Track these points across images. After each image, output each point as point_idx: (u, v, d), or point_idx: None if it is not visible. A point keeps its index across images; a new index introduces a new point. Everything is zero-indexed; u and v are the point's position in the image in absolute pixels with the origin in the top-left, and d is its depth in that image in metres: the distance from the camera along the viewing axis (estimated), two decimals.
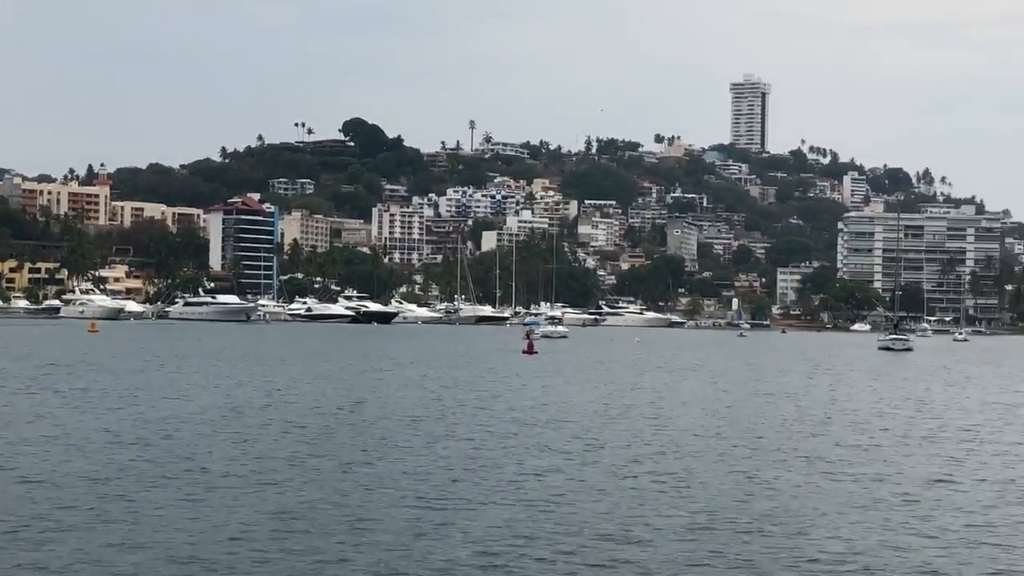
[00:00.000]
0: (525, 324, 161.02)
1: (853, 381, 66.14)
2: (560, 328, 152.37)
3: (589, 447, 30.58)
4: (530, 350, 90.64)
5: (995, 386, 64.48)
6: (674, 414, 41.02)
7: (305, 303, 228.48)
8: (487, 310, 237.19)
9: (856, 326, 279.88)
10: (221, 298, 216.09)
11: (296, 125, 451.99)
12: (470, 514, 20.75)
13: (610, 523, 20.25)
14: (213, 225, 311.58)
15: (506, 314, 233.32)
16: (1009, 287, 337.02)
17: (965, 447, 32.76)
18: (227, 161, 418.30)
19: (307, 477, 24.56)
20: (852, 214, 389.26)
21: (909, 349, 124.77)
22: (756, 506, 22.11)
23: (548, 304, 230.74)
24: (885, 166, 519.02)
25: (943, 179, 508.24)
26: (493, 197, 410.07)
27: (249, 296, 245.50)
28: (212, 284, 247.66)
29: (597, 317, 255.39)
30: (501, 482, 24.28)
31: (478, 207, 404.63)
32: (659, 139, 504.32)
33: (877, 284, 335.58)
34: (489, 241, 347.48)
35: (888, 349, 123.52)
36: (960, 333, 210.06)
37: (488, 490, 23.24)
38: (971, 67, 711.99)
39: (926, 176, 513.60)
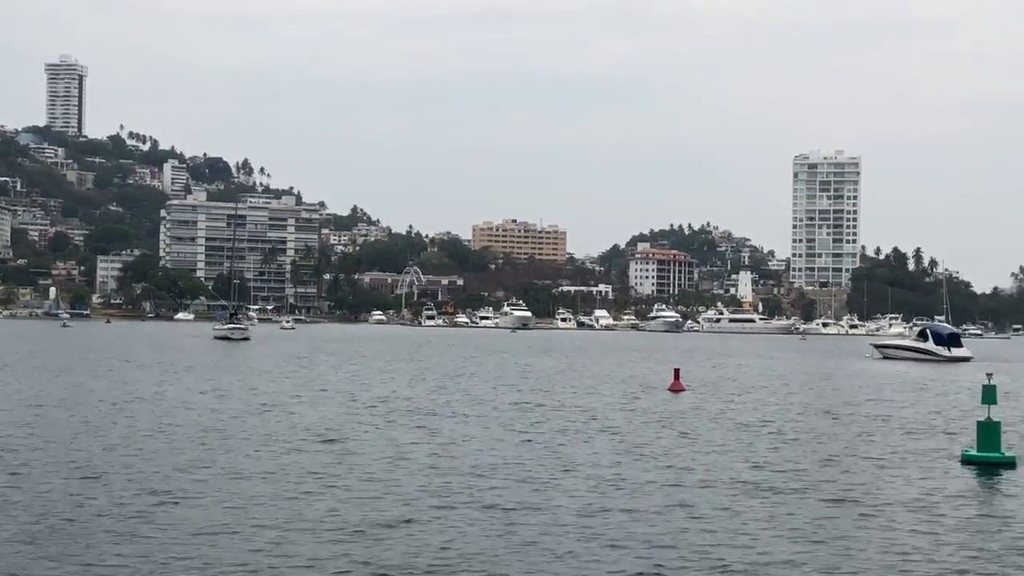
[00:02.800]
0: None
1: (211, 373, 61.84)
2: None
3: None
4: None
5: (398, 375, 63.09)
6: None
7: None
8: None
9: (180, 315, 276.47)
10: None
11: None
12: None
13: None
14: None
15: None
16: (327, 276, 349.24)
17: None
18: None
19: None
20: (175, 202, 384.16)
21: (247, 338, 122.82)
22: None
23: None
24: (205, 155, 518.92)
25: (262, 170, 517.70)
26: None
27: None
28: None
29: None
30: None
31: None
32: None
33: (200, 273, 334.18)
34: None
35: (227, 338, 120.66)
36: (287, 321, 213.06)
37: None
38: (285, 61, 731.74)
39: (245, 166, 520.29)
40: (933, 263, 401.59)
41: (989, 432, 27.78)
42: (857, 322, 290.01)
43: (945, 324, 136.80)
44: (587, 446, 30.38)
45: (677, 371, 56.93)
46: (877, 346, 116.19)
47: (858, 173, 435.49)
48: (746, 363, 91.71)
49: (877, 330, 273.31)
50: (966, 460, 27.91)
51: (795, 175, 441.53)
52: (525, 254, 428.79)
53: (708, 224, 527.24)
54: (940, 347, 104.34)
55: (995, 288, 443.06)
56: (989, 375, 28.43)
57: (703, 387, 56.83)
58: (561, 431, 34.05)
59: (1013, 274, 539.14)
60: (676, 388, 53.73)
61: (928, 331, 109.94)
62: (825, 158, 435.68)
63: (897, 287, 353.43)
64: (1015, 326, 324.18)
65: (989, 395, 27.76)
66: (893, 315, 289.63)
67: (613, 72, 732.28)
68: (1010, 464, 27.27)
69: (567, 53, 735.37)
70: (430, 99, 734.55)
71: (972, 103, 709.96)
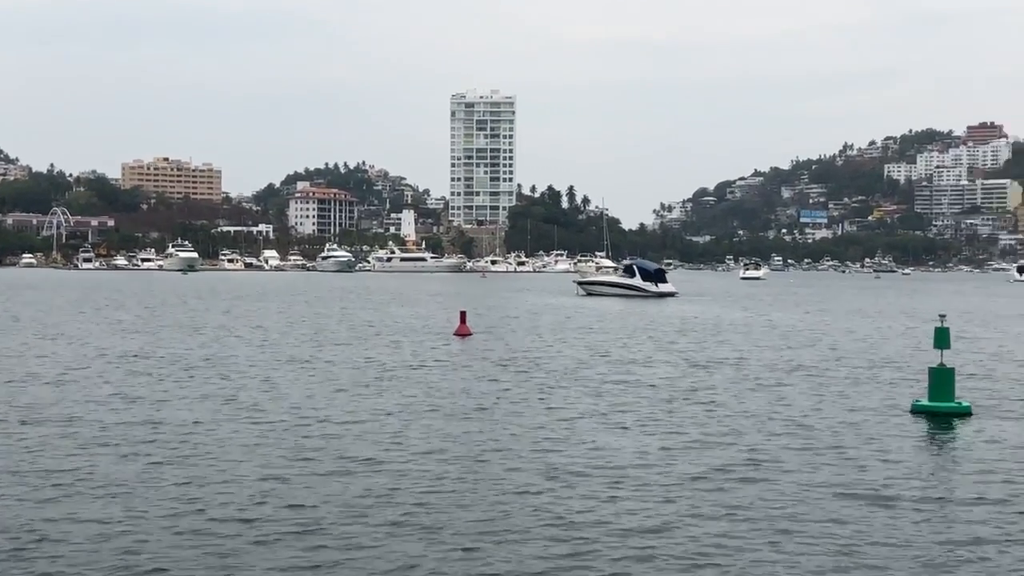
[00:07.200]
0: None
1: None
2: None
3: None
4: None
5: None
6: None
7: None
8: None
9: None
10: None
11: None
12: None
13: None
14: None
15: None
16: None
17: None
18: None
19: None
20: None
21: None
22: None
23: None
24: None
25: None
26: None
27: None
28: None
29: None
30: None
31: None
32: None
33: None
34: None
35: None
36: None
37: None
38: None
39: None
40: (586, 201, 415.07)
41: (942, 379, 25.76)
42: (524, 259, 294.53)
43: (649, 261, 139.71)
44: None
45: (463, 314, 53.36)
46: (581, 283, 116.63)
47: (513, 113, 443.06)
48: (486, 304, 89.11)
49: (544, 267, 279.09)
50: (917, 410, 25.79)
51: (452, 114, 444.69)
52: (179, 193, 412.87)
53: (364, 163, 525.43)
54: (648, 283, 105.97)
55: (641, 224, 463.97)
56: (942, 316, 26.36)
57: (487, 331, 53.66)
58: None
59: (655, 211, 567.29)
60: (463, 332, 50.40)
61: (635, 267, 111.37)
62: (481, 97, 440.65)
63: (553, 224, 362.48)
64: (667, 261, 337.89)
65: (942, 339, 25.71)
66: (558, 252, 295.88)
67: (256, 5, 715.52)
68: (966, 413, 25.39)
69: None
70: (65, 31, 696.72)
71: (610, 47, 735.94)
